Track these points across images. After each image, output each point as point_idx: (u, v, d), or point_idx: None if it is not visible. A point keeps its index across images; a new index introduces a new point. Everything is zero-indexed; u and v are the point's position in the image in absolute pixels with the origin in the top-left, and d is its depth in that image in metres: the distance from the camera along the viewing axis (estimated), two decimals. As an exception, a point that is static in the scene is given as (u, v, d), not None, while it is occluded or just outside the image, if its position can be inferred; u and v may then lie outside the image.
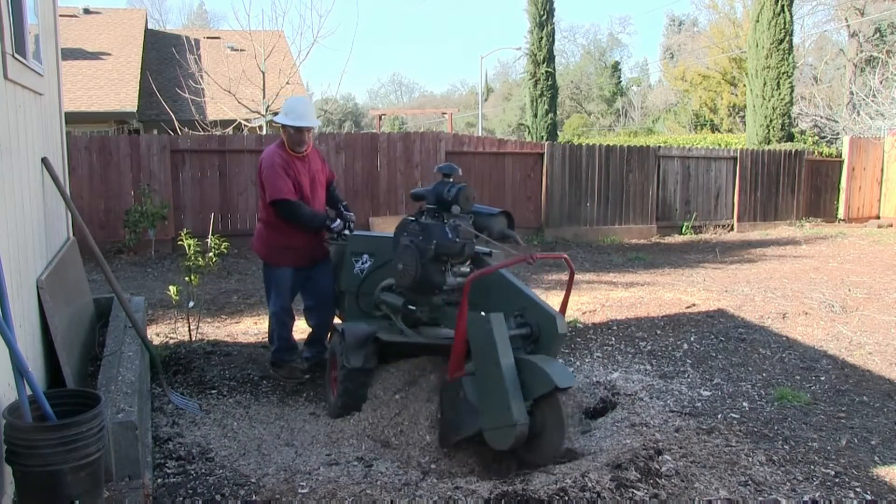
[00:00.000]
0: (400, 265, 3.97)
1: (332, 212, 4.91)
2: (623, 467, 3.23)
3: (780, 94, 17.89)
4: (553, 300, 7.28)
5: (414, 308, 4.11)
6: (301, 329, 5.03)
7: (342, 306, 4.74)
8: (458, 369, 3.65)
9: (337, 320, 4.95)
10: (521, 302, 3.66)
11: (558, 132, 30.61)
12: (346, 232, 4.75)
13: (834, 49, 33.33)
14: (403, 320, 4.20)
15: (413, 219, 4.07)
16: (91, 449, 2.50)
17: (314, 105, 4.92)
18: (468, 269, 3.96)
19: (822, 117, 22.77)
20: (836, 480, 3.42)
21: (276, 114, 14.72)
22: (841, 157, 15.76)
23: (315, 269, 4.81)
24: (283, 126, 4.60)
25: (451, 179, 4.08)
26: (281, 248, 4.68)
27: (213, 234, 5.77)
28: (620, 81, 49.51)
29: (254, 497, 3.02)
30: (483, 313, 3.54)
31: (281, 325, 4.79)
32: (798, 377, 5.04)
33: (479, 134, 32.02)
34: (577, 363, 5.36)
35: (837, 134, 21.36)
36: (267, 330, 5.08)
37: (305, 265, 4.77)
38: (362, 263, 4.51)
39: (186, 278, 5.54)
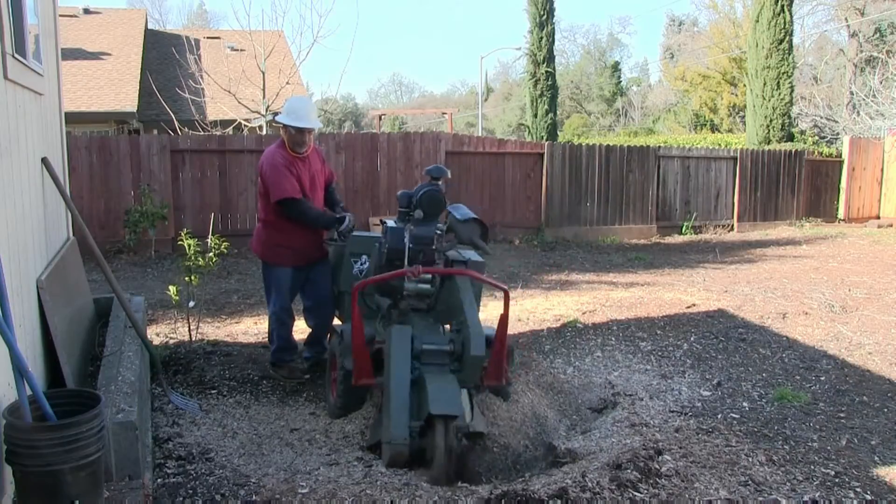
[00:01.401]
0: (371, 268, 4.00)
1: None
2: (623, 467, 3.23)
3: (780, 94, 17.89)
4: (552, 300, 7.32)
5: (394, 310, 4.09)
6: (301, 329, 5.03)
7: (342, 307, 4.73)
8: (363, 376, 3.61)
9: (336, 321, 4.95)
10: (460, 316, 3.62)
11: (558, 132, 30.60)
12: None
13: (834, 49, 33.34)
14: (381, 322, 4.19)
15: (385, 220, 4.10)
16: (91, 449, 2.50)
17: (315, 105, 4.88)
18: (429, 276, 3.89)
19: (822, 117, 22.77)
20: (836, 480, 3.42)
21: (276, 114, 14.71)
22: (841, 157, 15.76)
23: (314, 270, 4.81)
24: (284, 126, 4.58)
25: (440, 182, 4.04)
26: (280, 248, 4.68)
27: (213, 234, 5.77)
28: (620, 81, 49.51)
29: (254, 497, 3.02)
30: (435, 321, 3.55)
31: (281, 325, 4.80)
32: (798, 377, 5.04)
33: (479, 134, 32.02)
34: (577, 363, 5.36)
35: (837, 134, 21.35)
36: (267, 330, 5.08)
37: (304, 265, 4.76)
38: (361, 264, 4.51)
39: (186, 278, 5.53)
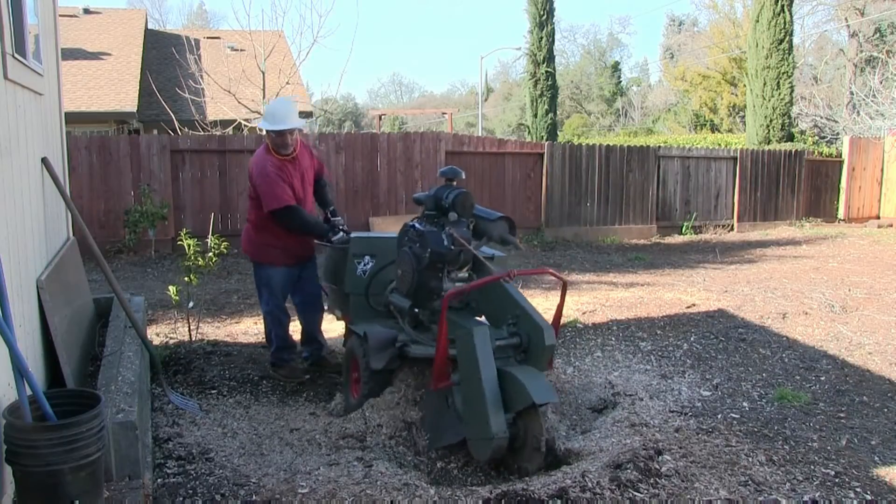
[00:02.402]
0: (399, 271, 3.99)
1: (321, 214, 4.91)
2: (623, 467, 3.23)
3: (780, 94, 17.89)
4: (552, 300, 7.31)
5: (418, 311, 4.11)
6: (294, 329, 5.04)
7: (346, 308, 4.72)
8: (442, 379, 3.64)
9: (329, 321, 4.97)
10: (514, 311, 3.66)
11: (558, 132, 30.62)
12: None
13: (834, 49, 33.34)
14: (409, 322, 4.20)
15: (412, 224, 4.08)
16: (91, 449, 2.50)
17: (296, 105, 4.84)
18: (466, 275, 3.96)
19: (822, 117, 22.77)
20: (836, 480, 3.42)
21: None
22: (841, 157, 15.76)
23: (305, 268, 4.85)
24: (267, 132, 4.56)
25: (455, 183, 4.08)
26: (270, 248, 4.68)
27: (212, 234, 5.77)
28: (620, 81, 49.52)
29: (254, 497, 3.02)
30: (474, 322, 3.56)
31: (277, 325, 4.79)
32: (798, 377, 5.04)
33: (479, 134, 32.02)
34: (577, 363, 5.36)
35: (837, 134, 21.36)
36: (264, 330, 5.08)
37: (294, 264, 4.78)
38: (364, 265, 4.51)
39: (186, 278, 5.53)
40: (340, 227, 4.73)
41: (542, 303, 7.19)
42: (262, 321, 6.51)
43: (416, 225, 4.05)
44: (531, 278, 8.86)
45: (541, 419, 3.32)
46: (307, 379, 4.87)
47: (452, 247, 3.82)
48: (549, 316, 3.81)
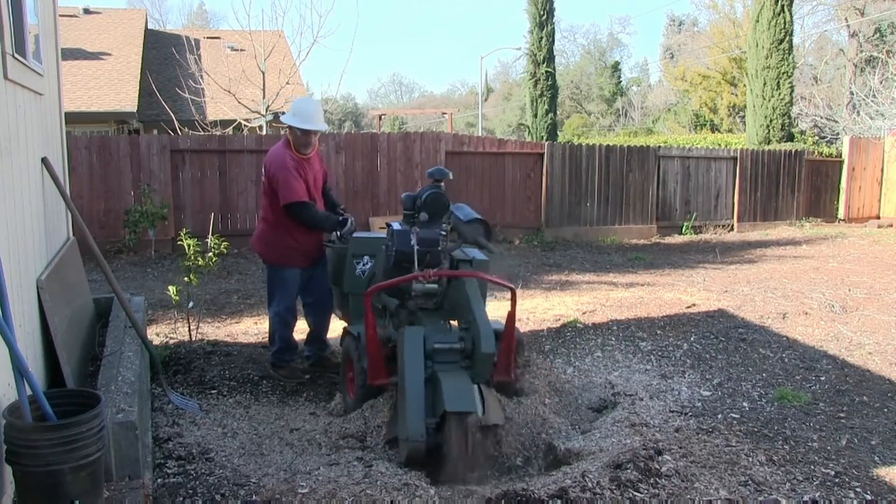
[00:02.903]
0: (377, 270, 4.02)
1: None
2: (623, 467, 3.23)
3: (780, 94, 17.89)
4: (552, 300, 7.32)
5: (402, 310, 4.12)
6: (300, 329, 5.04)
7: (346, 308, 4.73)
8: (377, 377, 3.67)
9: (329, 321, 4.98)
10: (468, 315, 3.67)
11: (558, 132, 30.60)
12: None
13: (834, 49, 33.34)
14: (391, 321, 4.22)
15: (391, 223, 4.12)
16: (91, 449, 2.50)
17: (321, 106, 4.88)
18: (434, 280, 3.94)
19: (822, 117, 22.77)
20: (836, 480, 3.42)
21: (276, 114, 14.77)
22: (841, 157, 15.76)
23: (316, 269, 4.86)
24: (290, 127, 4.57)
25: (442, 184, 4.08)
26: (286, 249, 4.68)
27: (212, 234, 5.77)
28: (620, 81, 49.51)
29: (254, 497, 3.02)
30: (445, 320, 3.62)
31: (283, 326, 4.80)
32: (798, 377, 5.04)
33: (479, 134, 32.01)
34: (577, 363, 5.36)
35: (837, 134, 21.36)
36: (267, 330, 5.08)
37: (308, 265, 4.80)
38: (363, 265, 4.53)
39: (186, 278, 5.53)
40: (347, 217, 4.74)
41: (542, 303, 7.19)
42: (262, 321, 6.52)
43: (394, 224, 4.08)
44: (532, 279, 8.86)
45: (454, 428, 3.27)
46: (307, 379, 4.87)
47: (418, 247, 3.81)
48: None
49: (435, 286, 3.91)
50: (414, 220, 4.01)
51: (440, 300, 4.01)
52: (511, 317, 3.75)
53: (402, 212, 4.10)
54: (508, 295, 3.82)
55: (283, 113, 4.70)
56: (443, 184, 4.08)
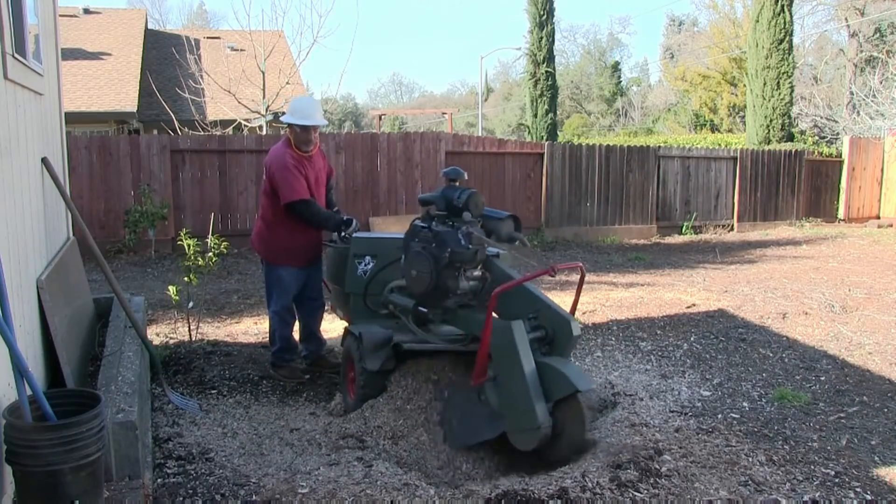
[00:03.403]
0: (413, 272, 3.97)
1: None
2: (623, 467, 3.23)
3: (780, 94, 17.89)
4: (557, 299, 7.30)
5: (425, 310, 4.11)
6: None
7: (347, 308, 4.72)
8: (483, 375, 3.69)
9: (329, 320, 4.97)
10: (534, 305, 3.71)
11: (558, 132, 30.61)
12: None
13: (834, 49, 33.34)
14: (414, 321, 4.20)
15: (424, 225, 4.07)
16: (91, 449, 2.50)
17: (320, 104, 4.89)
18: (479, 273, 3.99)
19: (822, 117, 22.78)
20: (836, 480, 3.42)
21: (275, 114, 14.78)
22: (841, 157, 15.76)
23: (313, 267, 4.88)
24: (290, 125, 4.58)
25: (458, 183, 4.10)
26: (285, 248, 4.69)
27: (212, 234, 5.77)
28: (620, 81, 49.51)
29: (254, 497, 3.02)
30: (505, 319, 3.59)
31: (283, 325, 4.81)
32: (798, 377, 5.04)
33: (479, 134, 32.01)
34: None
35: (837, 134, 21.36)
36: (267, 330, 5.08)
37: (306, 265, 4.80)
38: (365, 265, 4.52)
39: (186, 278, 5.53)
40: (352, 218, 4.73)
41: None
42: (262, 321, 6.52)
43: (428, 225, 4.06)
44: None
45: (582, 406, 3.40)
46: (307, 379, 4.87)
47: (470, 246, 3.84)
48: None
49: (478, 283, 3.93)
50: (448, 220, 4.02)
51: (482, 296, 4.01)
52: (576, 301, 4.00)
53: (434, 213, 4.08)
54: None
55: (283, 113, 4.71)
56: (458, 182, 4.10)
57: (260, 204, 4.90)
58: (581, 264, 4.06)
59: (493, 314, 3.63)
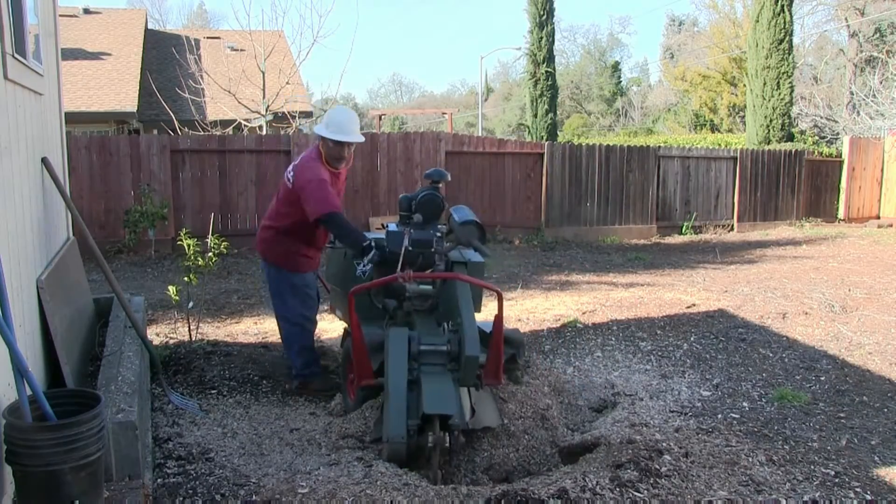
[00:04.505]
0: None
1: None
2: (623, 467, 3.23)
3: (780, 94, 17.89)
4: (552, 300, 7.32)
5: (399, 311, 4.10)
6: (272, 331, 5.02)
7: (346, 308, 4.67)
8: (364, 377, 3.67)
9: (329, 320, 4.96)
10: (457, 318, 3.66)
11: (558, 132, 30.59)
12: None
13: (834, 49, 33.35)
14: (387, 322, 4.20)
15: (388, 224, 4.12)
16: (91, 449, 2.50)
17: (358, 118, 4.55)
18: (429, 281, 3.94)
19: (822, 117, 22.78)
20: (836, 480, 3.42)
21: (275, 114, 14.78)
22: (841, 157, 15.76)
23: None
24: (323, 138, 4.31)
25: (440, 185, 4.08)
26: (300, 256, 4.57)
27: (212, 234, 5.76)
28: (620, 81, 49.51)
29: (254, 497, 3.02)
30: (436, 324, 3.61)
31: (304, 334, 4.61)
32: (798, 377, 5.04)
33: (479, 134, 32.02)
34: (577, 363, 5.36)
35: (837, 134, 21.36)
36: (267, 331, 5.07)
37: (316, 268, 4.78)
38: (364, 266, 4.47)
39: (186, 278, 5.53)
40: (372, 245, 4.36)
41: (542, 303, 7.19)
42: (262, 321, 6.52)
43: (391, 225, 4.08)
44: (532, 279, 8.85)
45: (438, 429, 3.28)
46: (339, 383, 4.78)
47: (410, 248, 3.80)
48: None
49: (429, 287, 3.90)
50: (409, 221, 3.99)
51: (435, 302, 3.99)
52: (498, 320, 3.67)
53: (399, 213, 4.09)
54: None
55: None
56: (442, 185, 4.07)
57: (274, 211, 4.60)
58: (497, 289, 3.80)
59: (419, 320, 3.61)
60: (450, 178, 4.14)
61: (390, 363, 3.42)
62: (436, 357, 3.54)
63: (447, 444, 3.34)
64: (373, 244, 4.07)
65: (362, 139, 4.45)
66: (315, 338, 5.19)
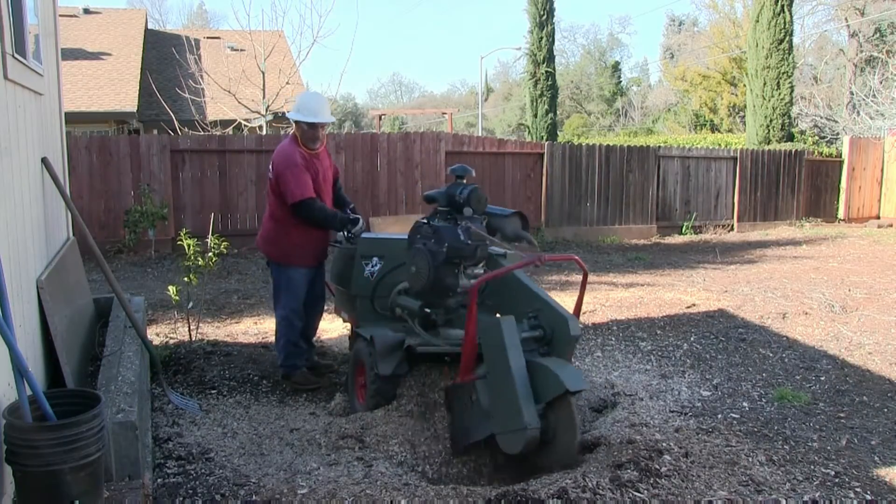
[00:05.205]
0: (413, 268, 3.93)
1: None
2: (623, 467, 3.23)
3: (780, 94, 17.89)
4: (558, 299, 7.29)
5: (430, 311, 4.06)
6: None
7: (353, 310, 4.63)
8: (469, 373, 3.62)
9: (329, 320, 4.94)
10: (535, 304, 3.62)
11: (558, 132, 30.59)
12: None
13: (834, 49, 33.34)
14: (420, 323, 4.14)
15: (425, 221, 4.04)
16: (91, 449, 2.50)
17: (328, 101, 4.76)
18: (482, 271, 3.92)
19: (822, 117, 22.77)
20: (836, 480, 3.42)
21: (275, 114, 14.77)
22: (841, 157, 15.76)
23: (319, 269, 4.82)
24: (296, 122, 4.49)
25: (465, 180, 4.06)
26: (297, 249, 4.59)
27: (212, 234, 5.76)
28: (620, 81, 49.50)
29: (254, 497, 3.02)
30: (497, 316, 3.51)
31: (290, 328, 4.66)
32: (798, 377, 5.04)
33: (479, 134, 32.01)
34: (577, 363, 5.36)
35: (837, 134, 21.36)
36: (268, 330, 5.06)
37: (315, 264, 4.74)
38: (372, 266, 4.44)
39: (186, 278, 5.53)
40: (358, 217, 4.64)
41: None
42: (262, 321, 6.52)
43: (431, 221, 4.01)
44: (532, 276, 8.85)
45: (573, 407, 3.28)
46: (321, 385, 4.78)
47: (469, 241, 3.79)
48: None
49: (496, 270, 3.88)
50: (450, 216, 3.97)
51: (486, 296, 3.95)
52: (580, 300, 3.82)
53: (437, 209, 4.04)
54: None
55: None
56: (465, 180, 4.06)
57: (268, 203, 4.77)
58: (576, 257, 3.93)
59: (481, 313, 3.56)
60: (474, 174, 4.13)
61: (509, 351, 3.33)
62: (529, 344, 3.50)
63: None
64: (357, 217, 4.33)
65: (333, 119, 4.64)
66: (315, 338, 5.20)
